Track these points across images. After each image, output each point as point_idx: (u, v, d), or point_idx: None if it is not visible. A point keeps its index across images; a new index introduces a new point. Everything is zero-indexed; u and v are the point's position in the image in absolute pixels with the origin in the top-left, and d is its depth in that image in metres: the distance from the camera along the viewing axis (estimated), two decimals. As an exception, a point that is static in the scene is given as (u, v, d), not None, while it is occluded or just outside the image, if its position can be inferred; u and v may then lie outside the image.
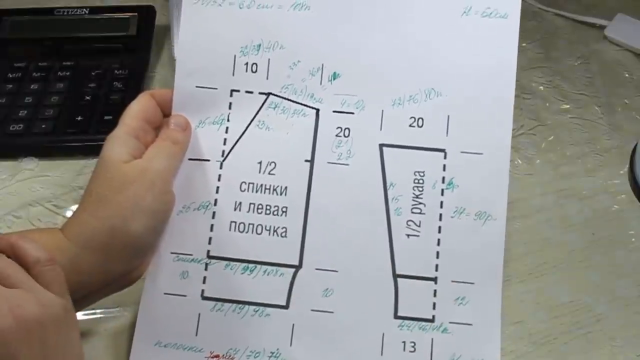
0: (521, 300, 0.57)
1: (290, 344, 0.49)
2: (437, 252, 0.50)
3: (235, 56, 0.52)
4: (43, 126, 0.68)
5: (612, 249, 0.61)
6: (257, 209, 0.51)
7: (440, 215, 0.50)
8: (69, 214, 0.63)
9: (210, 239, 0.51)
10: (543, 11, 0.82)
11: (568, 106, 0.72)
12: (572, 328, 0.56)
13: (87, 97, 0.71)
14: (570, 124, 0.71)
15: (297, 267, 0.50)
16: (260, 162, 0.51)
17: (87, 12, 0.76)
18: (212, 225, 0.51)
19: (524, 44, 0.77)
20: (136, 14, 0.76)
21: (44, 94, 0.71)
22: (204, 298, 0.50)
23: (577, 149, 0.68)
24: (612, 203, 0.64)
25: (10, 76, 0.73)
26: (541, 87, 0.74)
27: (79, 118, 0.69)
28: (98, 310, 0.56)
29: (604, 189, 0.65)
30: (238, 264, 0.50)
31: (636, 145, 0.66)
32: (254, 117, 0.51)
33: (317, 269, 0.50)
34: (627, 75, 0.75)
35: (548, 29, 0.80)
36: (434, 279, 0.50)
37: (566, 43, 0.78)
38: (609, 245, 0.61)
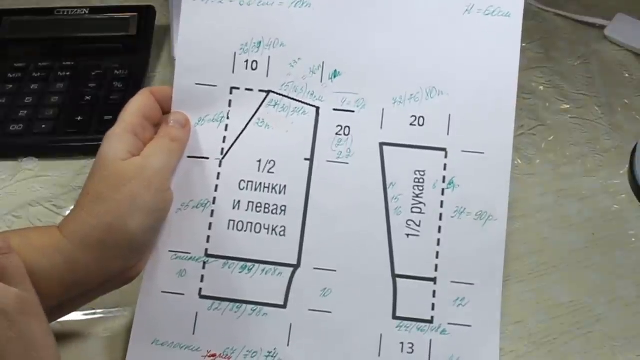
0: (521, 300, 0.57)
1: (288, 344, 0.49)
2: (437, 253, 0.50)
3: (235, 53, 0.52)
4: (43, 126, 0.68)
5: (612, 249, 0.61)
6: (256, 207, 0.50)
7: (441, 215, 0.50)
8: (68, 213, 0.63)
9: (208, 237, 0.50)
10: (543, 11, 0.82)
11: (568, 106, 0.72)
12: (572, 328, 0.56)
13: (87, 97, 0.71)
14: (570, 124, 0.70)
15: (296, 267, 0.50)
16: (259, 161, 0.51)
17: (87, 12, 0.76)
18: (210, 224, 0.50)
19: (524, 44, 0.76)
20: (136, 14, 0.76)
21: (44, 94, 0.71)
22: (202, 297, 0.50)
23: (577, 149, 0.68)
24: (612, 203, 0.64)
25: (10, 76, 0.72)
26: (541, 87, 0.74)
27: (79, 118, 0.69)
28: (98, 311, 0.56)
29: (604, 189, 0.65)
30: (236, 262, 0.50)
31: (636, 145, 0.66)
32: (254, 115, 0.51)
33: (315, 269, 0.50)
34: (627, 75, 0.75)
35: (548, 29, 0.80)
36: (434, 280, 0.49)
37: (566, 43, 0.78)
38: (609, 245, 0.61)
